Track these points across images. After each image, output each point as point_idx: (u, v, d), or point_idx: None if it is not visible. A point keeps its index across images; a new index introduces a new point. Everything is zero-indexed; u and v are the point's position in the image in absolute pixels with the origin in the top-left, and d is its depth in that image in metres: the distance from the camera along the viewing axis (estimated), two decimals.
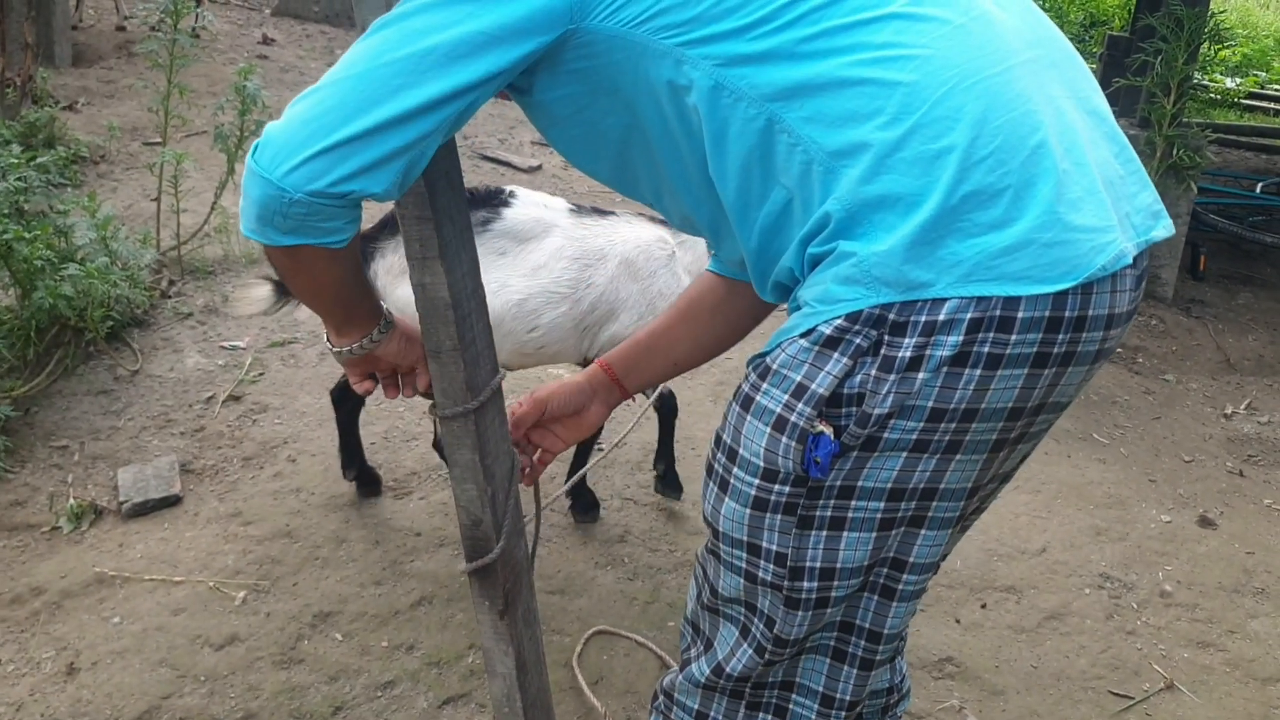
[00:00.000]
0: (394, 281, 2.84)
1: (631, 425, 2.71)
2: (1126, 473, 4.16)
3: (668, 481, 3.48)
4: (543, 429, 1.79)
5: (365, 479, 3.39)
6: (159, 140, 5.36)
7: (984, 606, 3.21)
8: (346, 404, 3.27)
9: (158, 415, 3.79)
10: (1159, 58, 5.70)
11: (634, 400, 1.88)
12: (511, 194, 2.98)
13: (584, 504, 3.42)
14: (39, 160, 4.12)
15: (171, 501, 3.31)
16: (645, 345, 1.81)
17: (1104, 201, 1.28)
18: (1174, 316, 5.94)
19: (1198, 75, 5.85)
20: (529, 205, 2.98)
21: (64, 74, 7.13)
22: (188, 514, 3.28)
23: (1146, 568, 3.51)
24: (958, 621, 3.11)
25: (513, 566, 1.77)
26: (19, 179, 3.79)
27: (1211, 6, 6.19)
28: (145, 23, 7.66)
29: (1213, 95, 13.17)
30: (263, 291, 2.99)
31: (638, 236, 3.05)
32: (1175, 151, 5.59)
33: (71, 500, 3.26)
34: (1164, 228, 1.39)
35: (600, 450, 3.65)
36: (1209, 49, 7.56)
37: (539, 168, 7.31)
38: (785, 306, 1.56)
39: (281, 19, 10.14)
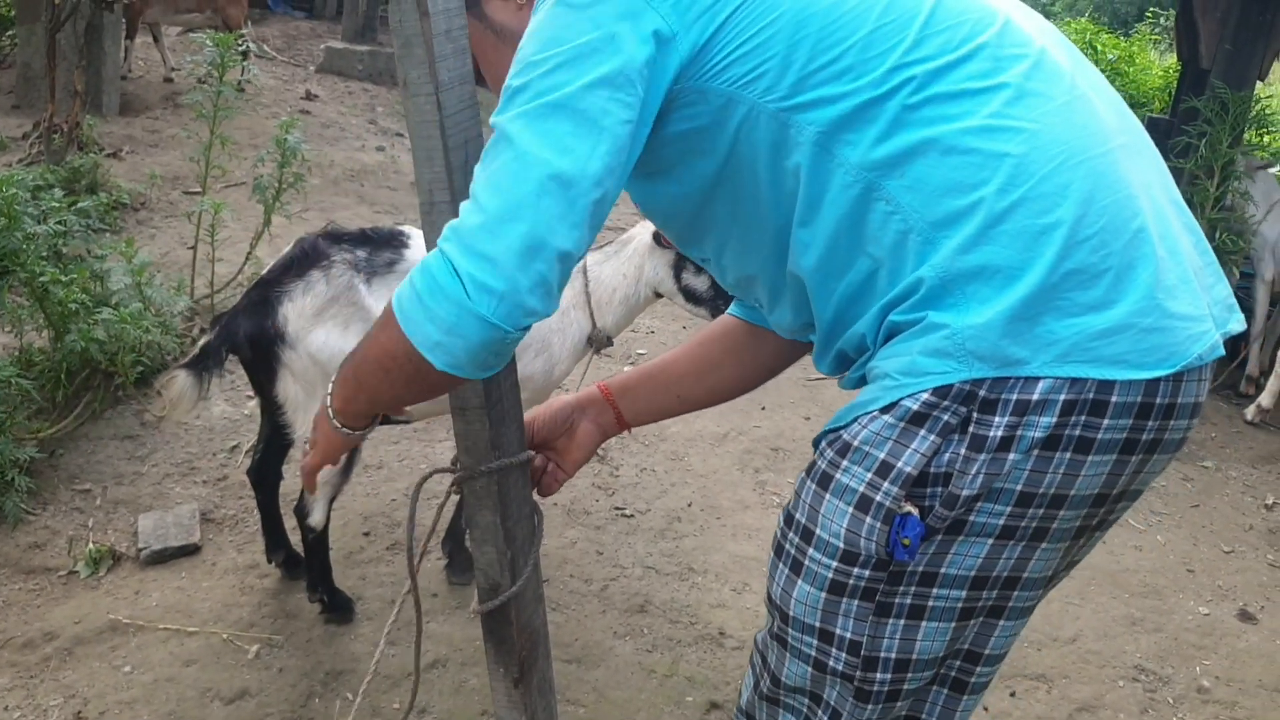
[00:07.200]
0: (307, 325, 2.70)
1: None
2: (1163, 561, 4.05)
3: (455, 564, 3.32)
4: (542, 456, 1.71)
5: (292, 563, 3.18)
6: (199, 190, 5.42)
7: (1013, 695, 3.10)
8: (265, 485, 3.12)
9: (181, 462, 3.77)
10: (1203, 140, 5.68)
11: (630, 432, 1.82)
12: (409, 235, 2.90)
13: (461, 564, 3.29)
14: (80, 205, 4.16)
15: (190, 550, 3.28)
16: (647, 373, 1.77)
17: (1196, 291, 1.26)
18: (1213, 402, 5.83)
19: (1241, 158, 5.81)
20: (425, 246, 2.91)
21: (111, 122, 7.26)
22: (206, 563, 3.25)
23: (1183, 661, 3.40)
24: (985, 709, 3.01)
25: (530, 634, 1.72)
26: (59, 223, 3.83)
27: (1257, 91, 6.18)
28: (193, 75, 7.82)
29: None
30: (182, 382, 2.73)
31: None
32: (1218, 235, 5.54)
33: (91, 545, 3.23)
34: (1237, 321, 1.36)
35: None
36: (1253, 134, 7.52)
37: None
38: (818, 371, 1.51)
39: (325, 76, 10.34)
